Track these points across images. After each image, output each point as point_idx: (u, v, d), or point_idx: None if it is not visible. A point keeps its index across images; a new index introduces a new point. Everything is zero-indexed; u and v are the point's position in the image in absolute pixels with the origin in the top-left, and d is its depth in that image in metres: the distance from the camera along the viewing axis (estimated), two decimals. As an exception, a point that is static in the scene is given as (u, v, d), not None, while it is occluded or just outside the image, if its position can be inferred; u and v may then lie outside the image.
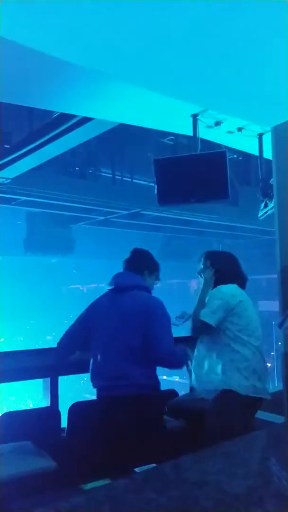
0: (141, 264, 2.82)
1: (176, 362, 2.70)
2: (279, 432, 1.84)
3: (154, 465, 1.55)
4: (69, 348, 2.82)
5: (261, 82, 2.13)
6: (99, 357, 2.62)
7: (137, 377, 2.49)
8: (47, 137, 5.82)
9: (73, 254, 13.52)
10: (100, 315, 2.70)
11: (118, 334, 2.57)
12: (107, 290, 2.82)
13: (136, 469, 1.57)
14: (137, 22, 1.77)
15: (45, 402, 3.33)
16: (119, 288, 2.73)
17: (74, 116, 5.02)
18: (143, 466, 1.58)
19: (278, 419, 2.65)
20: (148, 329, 2.54)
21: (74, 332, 2.79)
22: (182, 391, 3.78)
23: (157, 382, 2.64)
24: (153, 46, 1.91)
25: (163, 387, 4.04)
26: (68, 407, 3.06)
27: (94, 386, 2.68)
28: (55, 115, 5.40)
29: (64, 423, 3.04)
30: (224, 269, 2.84)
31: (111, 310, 2.67)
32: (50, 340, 26.93)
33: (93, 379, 2.67)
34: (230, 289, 2.76)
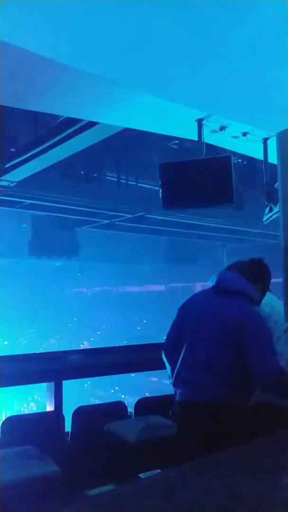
0: (260, 275, 2.50)
1: (286, 385, 2.16)
2: (285, 438, 1.82)
3: (159, 471, 1.54)
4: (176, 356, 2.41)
5: (266, 87, 2.13)
6: (183, 360, 2.33)
7: (216, 391, 2.19)
8: (52, 141, 5.84)
9: (77, 257, 13.55)
10: (193, 316, 2.37)
11: (206, 342, 2.27)
12: (207, 288, 2.46)
13: (141, 475, 1.56)
14: (143, 28, 1.78)
15: (49, 406, 3.33)
16: (221, 289, 2.36)
17: (79, 120, 5.04)
18: (148, 472, 1.57)
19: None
20: (244, 346, 2.18)
21: (174, 340, 2.44)
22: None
23: (240, 399, 2.25)
24: (158, 52, 1.92)
25: (166, 392, 4.03)
26: (72, 411, 3.06)
27: (176, 388, 2.40)
28: (61, 119, 5.42)
29: (68, 427, 3.04)
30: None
31: (206, 313, 2.34)
32: (54, 343, 26.97)
33: (176, 381, 2.37)
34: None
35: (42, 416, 3.20)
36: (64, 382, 3.38)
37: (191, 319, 2.38)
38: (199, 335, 2.31)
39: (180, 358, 2.34)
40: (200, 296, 2.50)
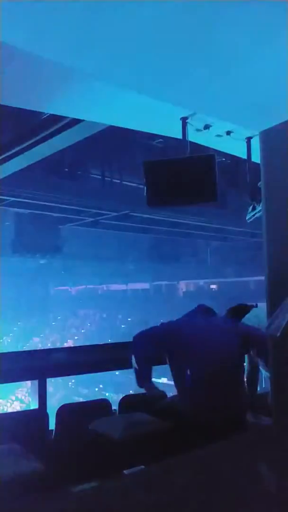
0: None
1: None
2: (267, 434, 1.86)
3: (143, 467, 1.55)
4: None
5: (250, 86, 2.15)
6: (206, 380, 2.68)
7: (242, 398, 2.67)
8: (36, 138, 5.80)
9: (61, 255, 13.48)
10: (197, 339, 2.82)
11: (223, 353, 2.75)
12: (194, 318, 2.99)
13: (125, 471, 1.57)
14: (128, 24, 1.78)
15: (33, 404, 3.31)
16: (206, 309, 3.00)
17: (63, 117, 5.00)
18: (132, 468, 1.59)
19: (265, 420, 2.67)
20: (248, 338, 2.85)
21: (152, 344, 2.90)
22: (170, 393, 3.79)
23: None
24: (143, 50, 1.92)
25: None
26: (56, 409, 3.05)
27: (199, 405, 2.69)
28: (45, 116, 5.38)
29: (52, 425, 3.03)
30: None
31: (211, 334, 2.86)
32: (38, 342, 26.78)
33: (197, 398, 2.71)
34: None
35: (26, 414, 3.18)
36: (48, 381, 3.36)
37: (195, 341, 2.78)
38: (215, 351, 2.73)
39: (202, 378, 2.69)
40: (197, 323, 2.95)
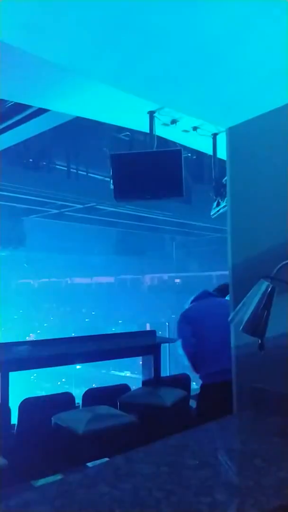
0: None
1: None
2: (228, 424, 1.91)
3: (107, 459, 1.56)
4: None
5: (219, 83, 2.17)
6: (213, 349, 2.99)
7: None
8: (0, 126, 5.65)
9: (24, 247, 13.24)
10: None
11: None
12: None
13: (89, 464, 1.57)
14: (96, 15, 1.76)
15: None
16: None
17: (29, 106, 4.91)
18: (96, 461, 1.59)
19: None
20: None
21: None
22: (133, 386, 3.83)
23: None
24: (112, 41, 1.91)
25: (114, 382, 4.06)
26: (19, 403, 3.02)
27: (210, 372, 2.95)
28: (9, 104, 5.25)
29: (14, 419, 2.99)
30: None
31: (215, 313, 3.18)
32: (-1, 335, 26.27)
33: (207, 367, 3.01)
34: None
35: (-13, 409, 3.11)
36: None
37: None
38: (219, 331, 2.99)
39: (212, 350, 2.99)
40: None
